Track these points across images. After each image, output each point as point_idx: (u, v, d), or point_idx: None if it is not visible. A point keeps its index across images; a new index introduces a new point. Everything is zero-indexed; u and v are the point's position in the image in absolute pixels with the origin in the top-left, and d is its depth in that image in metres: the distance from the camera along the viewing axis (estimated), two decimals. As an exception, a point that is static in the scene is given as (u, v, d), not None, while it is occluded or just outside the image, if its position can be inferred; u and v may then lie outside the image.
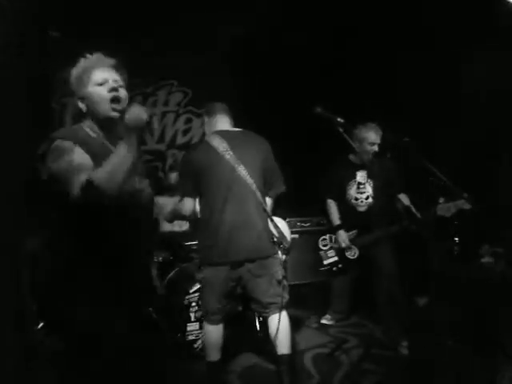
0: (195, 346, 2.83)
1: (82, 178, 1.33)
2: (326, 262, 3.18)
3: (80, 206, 1.37)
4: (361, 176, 3.10)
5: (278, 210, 4.27)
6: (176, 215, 2.36)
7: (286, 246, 2.36)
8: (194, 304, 2.85)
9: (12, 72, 2.21)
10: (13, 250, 2.25)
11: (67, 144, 1.41)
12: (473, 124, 3.04)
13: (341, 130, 2.16)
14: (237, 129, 2.42)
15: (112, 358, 1.48)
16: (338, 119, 2.16)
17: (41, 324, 2.98)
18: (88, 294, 1.43)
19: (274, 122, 4.27)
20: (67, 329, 1.52)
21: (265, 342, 2.96)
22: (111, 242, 1.48)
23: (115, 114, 1.49)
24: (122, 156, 1.38)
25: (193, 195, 2.31)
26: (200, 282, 2.45)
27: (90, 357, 1.47)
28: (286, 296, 2.33)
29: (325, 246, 3.20)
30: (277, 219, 2.41)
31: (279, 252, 2.35)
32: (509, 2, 2.50)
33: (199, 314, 2.85)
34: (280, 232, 2.35)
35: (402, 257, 3.02)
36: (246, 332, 3.07)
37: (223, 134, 2.33)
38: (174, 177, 3.77)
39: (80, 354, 1.47)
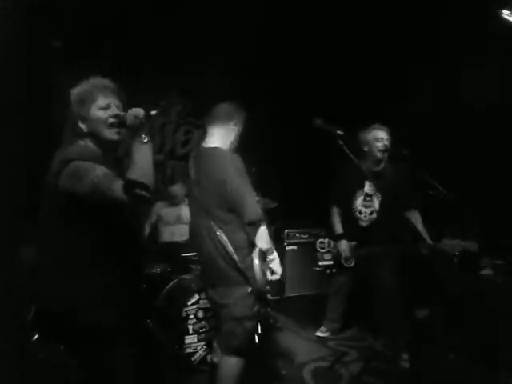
0: (193, 359, 2.79)
1: (118, 182, 1.39)
2: (321, 264, 3.13)
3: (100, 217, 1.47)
4: (369, 187, 3.00)
5: (276, 223, 4.31)
6: None
7: (254, 285, 1.98)
8: (191, 316, 2.82)
9: (12, 81, 2.22)
10: (9, 262, 2.24)
11: (87, 164, 1.45)
12: (473, 136, 3.07)
13: (341, 142, 2.16)
14: (212, 145, 2.11)
15: (109, 370, 1.47)
16: (338, 132, 2.17)
17: (36, 335, 2.96)
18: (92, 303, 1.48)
19: (274, 134, 4.31)
20: (64, 340, 1.52)
21: (264, 355, 2.95)
22: (118, 251, 1.56)
23: (117, 138, 1.57)
24: (141, 152, 1.45)
25: None
26: None
27: (87, 368, 1.47)
28: (240, 338, 2.03)
29: (322, 248, 3.14)
30: (268, 254, 2.02)
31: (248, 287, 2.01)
32: (508, 20, 2.55)
33: (197, 326, 2.83)
34: (248, 266, 1.98)
35: (402, 269, 3.01)
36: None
37: (196, 152, 2.20)
38: (176, 188, 3.76)
39: (78, 364, 1.47)
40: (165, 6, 3.65)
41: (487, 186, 3.02)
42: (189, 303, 2.83)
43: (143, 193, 1.38)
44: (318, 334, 3.37)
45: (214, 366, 2.80)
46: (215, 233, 2.01)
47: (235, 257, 1.99)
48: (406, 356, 2.83)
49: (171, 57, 4.00)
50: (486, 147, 3.08)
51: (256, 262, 1.97)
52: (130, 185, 1.37)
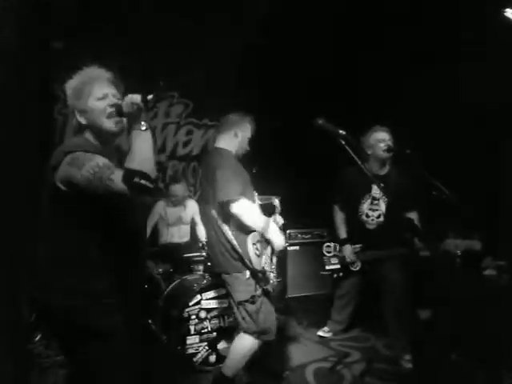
0: (194, 359, 2.78)
1: (118, 172, 1.34)
2: (328, 268, 3.13)
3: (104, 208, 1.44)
4: (376, 190, 2.97)
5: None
6: None
7: (251, 268, 2.20)
8: (193, 317, 2.82)
9: (14, 83, 2.22)
10: (11, 261, 2.24)
11: (85, 154, 1.42)
12: (474, 136, 3.05)
13: (343, 142, 2.14)
14: (216, 146, 2.44)
15: (111, 369, 1.47)
16: (340, 131, 2.15)
17: (38, 336, 2.96)
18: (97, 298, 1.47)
19: (276, 133, 4.30)
20: (65, 339, 1.51)
21: (266, 356, 2.94)
22: (123, 248, 1.54)
23: (116, 129, 1.54)
24: (141, 139, 1.41)
25: None
26: None
27: (86, 367, 1.47)
28: (247, 321, 2.23)
29: (328, 252, 3.14)
30: (253, 236, 2.25)
31: (246, 272, 2.23)
32: (508, 17, 2.54)
33: (199, 326, 2.82)
34: (245, 251, 2.20)
35: (406, 270, 2.99)
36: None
37: (206, 152, 2.54)
38: (178, 188, 3.75)
39: (78, 364, 1.46)
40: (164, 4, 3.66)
41: (489, 186, 3.01)
42: (190, 304, 2.83)
43: (143, 182, 1.34)
44: (320, 333, 3.36)
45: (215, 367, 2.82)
46: (216, 222, 2.24)
47: (234, 242, 2.20)
48: (408, 356, 2.82)
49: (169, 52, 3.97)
50: (487, 147, 3.07)
51: (249, 245, 2.20)
52: (130, 174, 1.33)
